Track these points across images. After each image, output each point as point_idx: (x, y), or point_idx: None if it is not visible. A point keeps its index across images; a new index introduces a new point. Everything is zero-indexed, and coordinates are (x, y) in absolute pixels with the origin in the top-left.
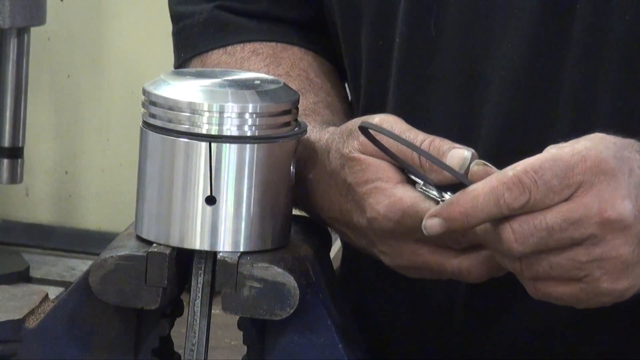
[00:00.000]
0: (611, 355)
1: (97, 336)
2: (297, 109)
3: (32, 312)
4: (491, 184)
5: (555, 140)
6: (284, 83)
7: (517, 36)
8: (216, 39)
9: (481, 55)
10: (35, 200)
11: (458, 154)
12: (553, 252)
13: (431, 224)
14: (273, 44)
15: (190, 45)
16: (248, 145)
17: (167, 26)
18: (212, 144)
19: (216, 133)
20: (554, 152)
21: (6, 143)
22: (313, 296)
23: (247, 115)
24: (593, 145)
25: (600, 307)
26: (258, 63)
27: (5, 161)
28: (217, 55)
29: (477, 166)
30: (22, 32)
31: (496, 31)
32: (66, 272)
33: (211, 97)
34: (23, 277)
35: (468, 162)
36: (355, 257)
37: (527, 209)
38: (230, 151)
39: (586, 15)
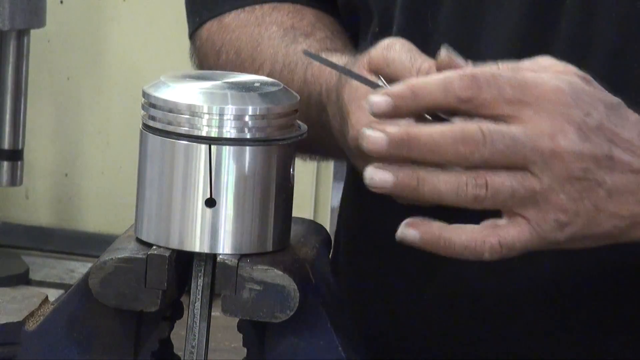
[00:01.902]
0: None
1: (97, 338)
2: (296, 111)
3: (31, 314)
4: (446, 73)
5: None
6: (284, 86)
7: (506, 30)
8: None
9: (473, 48)
10: (35, 203)
11: None
12: (508, 174)
13: (377, 100)
14: (290, 3)
15: (207, 8)
16: (248, 148)
17: (167, 28)
18: (212, 147)
19: (216, 135)
20: (521, 67)
21: (6, 145)
22: (313, 298)
23: (247, 118)
24: (561, 76)
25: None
26: (281, 17)
27: (5, 164)
28: (234, 15)
29: (443, 55)
30: (22, 35)
31: (487, 24)
32: (66, 274)
33: (211, 99)
34: (23, 279)
35: None
36: (352, 240)
37: (473, 106)
38: (230, 153)
39: (574, 11)
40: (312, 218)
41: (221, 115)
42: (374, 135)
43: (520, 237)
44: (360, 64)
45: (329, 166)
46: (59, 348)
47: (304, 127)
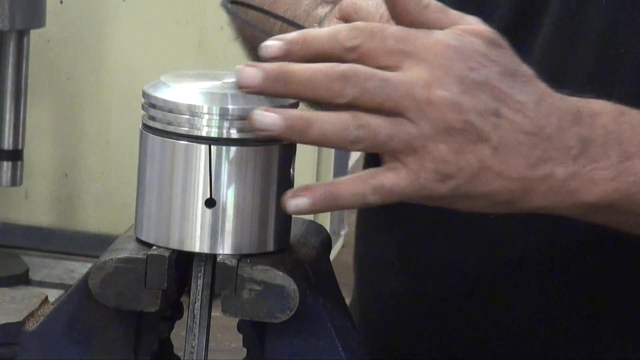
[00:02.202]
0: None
1: (97, 339)
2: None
3: (31, 314)
4: (338, 23)
5: None
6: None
7: (496, 12)
8: None
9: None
10: (35, 203)
11: None
12: (386, 117)
13: (270, 44)
14: None
15: None
16: (248, 148)
17: (167, 28)
18: (212, 147)
19: (216, 136)
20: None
21: (6, 146)
22: (313, 299)
23: (247, 118)
24: (452, 33)
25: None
26: None
27: (6, 164)
28: None
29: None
30: (22, 35)
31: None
32: (66, 274)
33: (211, 99)
34: (22, 279)
35: None
36: (367, 235)
37: (358, 55)
38: (230, 154)
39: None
40: (312, 218)
41: (221, 115)
42: (249, 69)
43: (399, 181)
44: (333, 13)
45: (329, 166)
46: (58, 348)
47: None
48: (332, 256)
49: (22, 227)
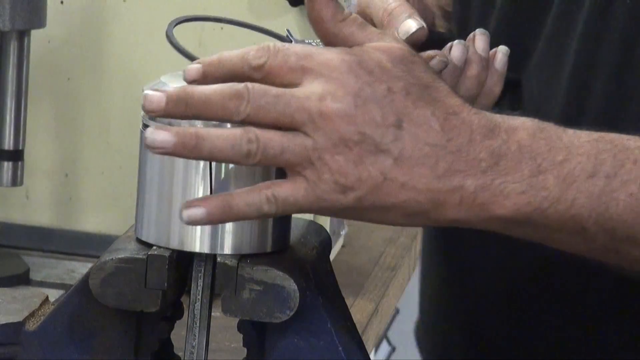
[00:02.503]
0: None
1: (97, 339)
2: None
3: (32, 314)
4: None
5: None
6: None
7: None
8: None
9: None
10: (35, 203)
11: (407, 24)
12: (279, 131)
13: (190, 67)
14: None
15: None
16: None
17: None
18: None
19: None
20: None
21: (7, 146)
22: (313, 299)
23: None
24: (353, 50)
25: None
26: None
27: (6, 164)
28: None
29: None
30: (22, 35)
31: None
32: (66, 274)
33: None
34: (23, 279)
35: (412, 32)
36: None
37: (264, 74)
38: None
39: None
40: (312, 218)
41: None
42: (153, 94)
43: (295, 192)
44: (354, 6)
45: None
46: (59, 348)
47: None
48: (332, 256)
49: (22, 227)
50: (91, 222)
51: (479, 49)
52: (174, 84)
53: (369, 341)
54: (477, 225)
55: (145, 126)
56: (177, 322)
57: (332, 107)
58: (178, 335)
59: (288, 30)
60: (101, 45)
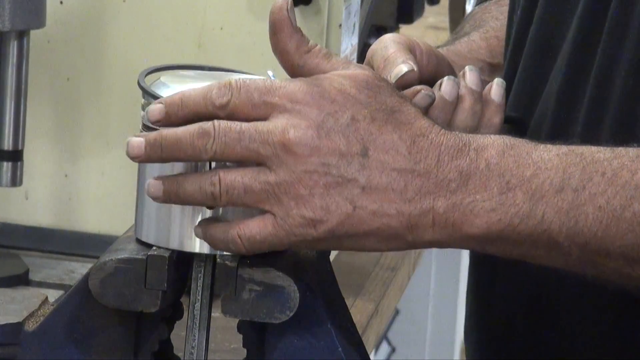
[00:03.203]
0: None
1: (97, 339)
2: None
3: (31, 315)
4: (213, 83)
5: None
6: None
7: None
8: None
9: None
10: (35, 203)
11: (398, 67)
12: (242, 170)
13: (152, 108)
14: None
15: None
16: None
17: (167, 28)
18: None
19: None
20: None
21: (6, 146)
22: (313, 299)
23: None
24: (317, 79)
25: None
26: None
27: (6, 164)
28: None
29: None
30: (22, 35)
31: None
32: (66, 275)
33: None
34: (22, 280)
35: (401, 74)
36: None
37: (228, 111)
38: None
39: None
40: None
41: None
42: (134, 140)
43: (262, 231)
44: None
45: None
46: (59, 348)
47: None
48: (332, 256)
49: (22, 228)
50: (91, 222)
51: (470, 83)
52: (174, 84)
53: (369, 341)
54: (454, 246)
55: (145, 126)
56: (177, 322)
57: (294, 139)
58: (178, 335)
59: (269, 74)
60: (101, 45)
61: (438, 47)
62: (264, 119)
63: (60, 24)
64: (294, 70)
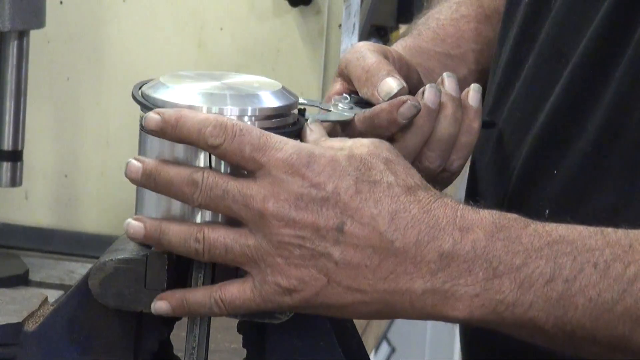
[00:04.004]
0: None
1: (97, 339)
2: (295, 111)
3: (31, 315)
4: (212, 115)
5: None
6: (283, 86)
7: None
8: None
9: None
10: (35, 204)
11: (387, 84)
12: (226, 230)
13: (150, 116)
14: None
15: None
16: None
17: (167, 28)
18: None
19: None
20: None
21: (6, 146)
22: None
23: (245, 118)
24: (306, 146)
25: None
26: None
27: (6, 164)
28: None
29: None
30: (22, 35)
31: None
32: (65, 275)
33: (210, 100)
34: (22, 280)
35: (393, 94)
36: None
37: (220, 153)
38: None
39: None
40: None
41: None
42: (133, 164)
43: (241, 295)
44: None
45: None
46: (58, 348)
47: (301, 124)
48: None
49: (22, 228)
50: (91, 222)
51: (450, 90)
52: (173, 84)
53: (368, 341)
54: (435, 320)
55: (143, 127)
56: (177, 322)
57: (271, 210)
58: (177, 335)
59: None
60: (101, 45)
61: (403, 34)
62: (251, 172)
63: (60, 24)
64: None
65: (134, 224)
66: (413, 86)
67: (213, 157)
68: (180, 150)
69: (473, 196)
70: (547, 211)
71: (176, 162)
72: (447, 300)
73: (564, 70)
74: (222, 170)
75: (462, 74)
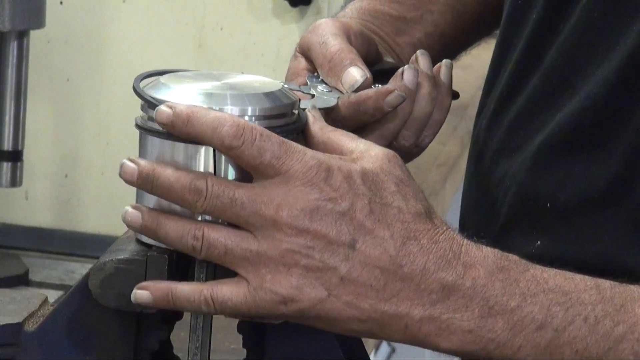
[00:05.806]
0: None
1: (97, 340)
2: (295, 111)
3: (31, 315)
4: (225, 114)
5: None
6: (283, 86)
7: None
8: None
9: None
10: (35, 204)
11: (351, 76)
12: (227, 231)
13: (162, 109)
14: None
15: None
16: None
17: (167, 28)
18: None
19: None
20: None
21: (6, 146)
22: None
23: (246, 118)
24: (330, 159)
25: None
26: None
27: (6, 164)
28: None
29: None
30: (22, 35)
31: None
32: (65, 275)
33: (210, 100)
34: (22, 280)
35: (358, 85)
36: None
37: (235, 155)
38: None
39: None
40: None
41: None
42: (128, 164)
43: (234, 297)
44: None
45: None
46: (59, 349)
47: (301, 125)
48: None
49: (22, 228)
50: (91, 222)
51: (424, 68)
52: (173, 84)
53: (368, 341)
54: (423, 347)
55: (138, 126)
56: (177, 322)
57: (285, 218)
58: (178, 335)
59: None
60: (101, 45)
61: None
62: (265, 178)
63: (60, 25)
64: (317, 147)
65: (132, 212)
66: (373, 58)
67: (217, 162)
68: (180, 152)
69: (467, 215)
70: (538, 242)
71: (175, 165)
72: (441, 332)
73: (572, 98)
74: (223, 175)
75: (417, 37)
